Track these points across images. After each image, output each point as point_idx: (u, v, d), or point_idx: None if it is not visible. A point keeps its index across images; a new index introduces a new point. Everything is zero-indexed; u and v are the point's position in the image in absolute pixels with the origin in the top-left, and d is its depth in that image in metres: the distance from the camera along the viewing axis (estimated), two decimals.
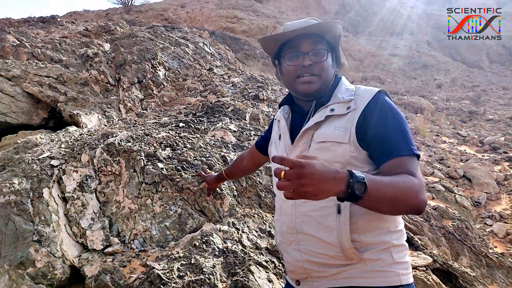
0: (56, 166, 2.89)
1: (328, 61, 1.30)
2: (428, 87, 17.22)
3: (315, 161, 0.91)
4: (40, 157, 3.02)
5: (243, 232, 2.67)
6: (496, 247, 4.35)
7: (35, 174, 2.78)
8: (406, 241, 1.26)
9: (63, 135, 3.50)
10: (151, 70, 5.14)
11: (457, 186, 5.53)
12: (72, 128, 3.74)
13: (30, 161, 2.97)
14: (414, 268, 3.02)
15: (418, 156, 1.15)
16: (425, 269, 3.09)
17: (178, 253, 2.36)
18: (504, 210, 5.16)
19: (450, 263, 3.47)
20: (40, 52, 5.58)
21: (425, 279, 2.90)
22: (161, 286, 2.08)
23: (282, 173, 0.89)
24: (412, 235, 3.56)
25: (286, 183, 0.88)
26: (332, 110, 1.23)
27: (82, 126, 4.00)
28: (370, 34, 25.90)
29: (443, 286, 3.00)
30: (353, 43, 22.93)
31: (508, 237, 4.56)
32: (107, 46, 6.07)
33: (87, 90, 4.86)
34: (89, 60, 5.42)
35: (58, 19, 9.12)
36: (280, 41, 1.35)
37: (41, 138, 3.37)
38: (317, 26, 1.27)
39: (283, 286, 2.33)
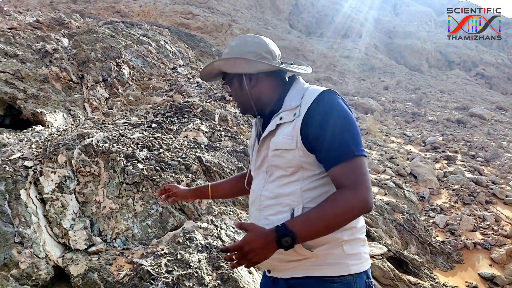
0: (31, 167, 2.85)
1: (234, 88, 1.42)
2: (376, 89, 18.32)
3: (248, 237, 1.13)
4: (11, 157, 2.96)
5: (221, 228, 2.84)
6: (437, 236, 4.90)
7: (9, 176, 2.74)
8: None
9: (31, 134, 3.43)
10: (116, 68, 5.09)
11: (405, 182, 6.10)
12: (39, 128, 3.65)
13: (0, 162, 2.90)
14: (372, 257, 3.37)
15: (361, 155, 1.18)
16: (381, 257, 3.46)
17: (163, 249, 2.48)
18: (444, 203, 5.79)
19: (402, 251, 3.90)
20: None
21: (381, 266, 3.27)
22: (151, 281, 2.20)
23: (234, 256, 1.13)
24: (369, 228, 3.94)
25: (240, 261, 1.14)
26: (281, 118, 1.31)
27: (48, 125, 3.91)
28: (322, 36, 26.90)
29: (396, 271, 3.38)
30: (306, 43, 23.69)
31: (447, 227, 5.15)
32: (65, 42, 5.87)
33: (48, 87, 4.71)
34: (48, 56, 5.23)
35: (5, 9, 8.58)
36: None
37: (8, 138, 3.28)
38: (208, 68, 1.42)
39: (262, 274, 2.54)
